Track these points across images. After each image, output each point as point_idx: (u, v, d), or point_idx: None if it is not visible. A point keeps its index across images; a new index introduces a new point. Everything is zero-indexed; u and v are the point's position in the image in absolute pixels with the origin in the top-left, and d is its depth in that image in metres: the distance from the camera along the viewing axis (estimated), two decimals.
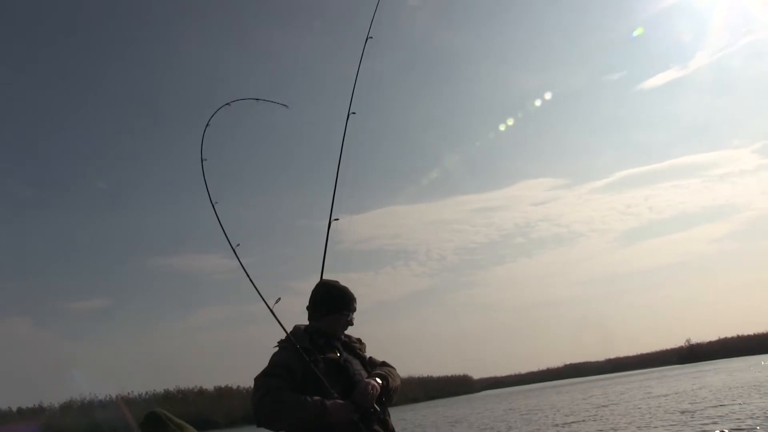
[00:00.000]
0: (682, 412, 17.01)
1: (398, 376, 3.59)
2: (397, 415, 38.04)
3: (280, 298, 3.56)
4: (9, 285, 74.36)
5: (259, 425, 3.26)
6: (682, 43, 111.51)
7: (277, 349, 3.47)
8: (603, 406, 24.24)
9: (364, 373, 3.46)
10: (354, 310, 3.61)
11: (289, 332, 3.50)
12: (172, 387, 51.63)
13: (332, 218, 3.90)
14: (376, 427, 3.33)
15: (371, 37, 4.40)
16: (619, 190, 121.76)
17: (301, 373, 3.28)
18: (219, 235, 3.75)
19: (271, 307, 3.51)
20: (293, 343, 3.39)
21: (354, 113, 4.11)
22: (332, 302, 3.55)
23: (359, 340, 3.69)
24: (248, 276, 3.67)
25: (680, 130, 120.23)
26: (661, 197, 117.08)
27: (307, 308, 3.60)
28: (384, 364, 3.63)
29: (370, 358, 3.64)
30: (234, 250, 3.74)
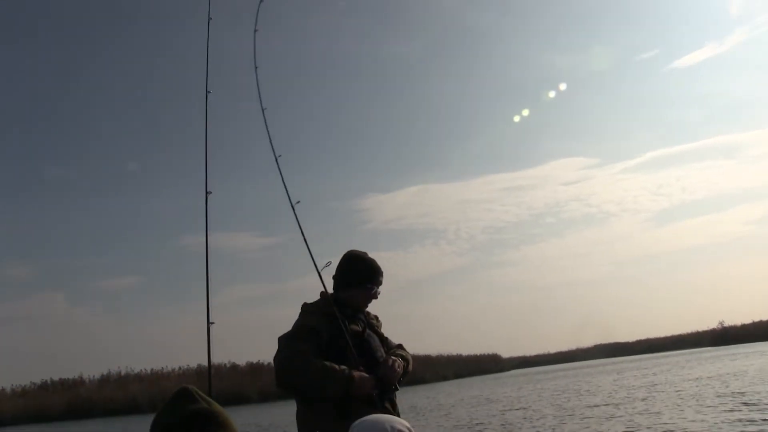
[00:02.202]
0: (719, 396, 16.90)
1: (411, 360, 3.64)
2: (424, 393, 37.85)
3: (330, 262, 3.60)
4: (42, 263, 75.84)
5: (279, 385, 3.28)
6: (718, 19, 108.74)
7: (302, 311, 3.48)
8: (639, 387, 24.14)
9: (382, 350, 3.49)
10: (380, 283, 3.59)
11: (319, 297, 3.51)
12: (205, 363, 52.28)
13: (207, 192, 3.91)
14: (387, 405, 3.36)
15: (211, 18, 4.46)
16: (651, 170, 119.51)
17: (327, 339, 3.29)
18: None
19: (319, 270, 3.55)
20: (321, 308, 3.40)
21: (210, 92, 4.19)
22: (360, 273, 3.53)
23: (376, 317, 3.70)
24: (303, 237, 3.71)
25: (715, 110, 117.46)
26: (694, 177, 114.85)
27: (333, 278, 3.59)
28: (400, 346, 3.66)
29: (386, 338, 3.66)
30: (293, 208, 3.80)
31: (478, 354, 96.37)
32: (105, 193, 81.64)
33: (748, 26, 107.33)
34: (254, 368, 48.37)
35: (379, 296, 3.61)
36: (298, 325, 3.38)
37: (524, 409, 20.01)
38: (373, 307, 3.68)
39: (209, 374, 3.86)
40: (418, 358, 75.65)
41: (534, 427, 14.43)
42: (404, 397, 3.33)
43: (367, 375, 3.25)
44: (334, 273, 3.61)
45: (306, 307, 3.49)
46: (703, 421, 11.83)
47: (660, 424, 12.15)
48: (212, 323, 3.67)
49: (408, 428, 2.05)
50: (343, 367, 3.19)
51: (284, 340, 3.30)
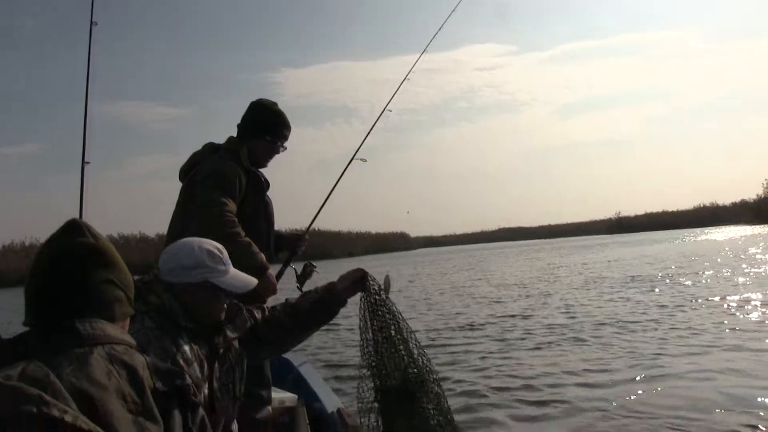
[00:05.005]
0: (632, 278, 17.95)
1: None
2: (327, 268, 38.39)
3: None
4: None
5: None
6: None
7: (217, 156, 3.15)
8: (542, 268, 25.38)
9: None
10: (286, 138, 3.34)
11: (226, 144, 3.23)
12: (114, 233, 51.76)
13: (92, 23, 3.63)
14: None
15: None
16: (563, 62, 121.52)
17: (242, 195, 3.08)
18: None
19: None
20: (239, 159, 3.13)
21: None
22: (267, 124, 3.27)
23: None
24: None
25: (628, 8, 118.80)
26: (602, 73, 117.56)
27: (238, 126, 3.31)
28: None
29: None
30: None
31: (387, 232, 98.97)
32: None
33: None
34: (163, 239, 47.99)
35: (281, 152, 3.37)
36: (224, 172, 3.06)
37: (425, 289, 20.69)
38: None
39: (80, 214, 3.64)
40: (326, 234, 77.01)
41: (432, 304, 14.98)
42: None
43: (274, 277, 3.07)
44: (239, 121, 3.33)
45: (223, 153, 3.17)
46: (600, 299, 12.59)
47: (559, 302, 12.85)
48: (87, 163, 3.46)
49: (218, 248, 2.02)
50: (261, 254, 2.99)
51: (216, 193, 2.97)
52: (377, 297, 2.34)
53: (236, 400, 2.10)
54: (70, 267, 1.27)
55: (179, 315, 1.92)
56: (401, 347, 2.29)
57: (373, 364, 2.26)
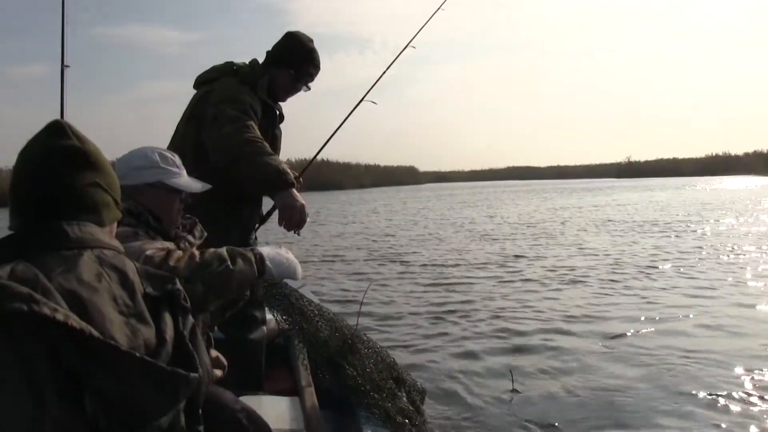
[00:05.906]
0: (625, 222, 17.91)
1: None
2: (336, 198, 38.41)
3: None
4: None
5: (223, 161, 2.79)
6: None
7: (236, 80, 3.05)
8: (551, 209, 25.35)
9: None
10: (311, 79, 3.25)
11: (247, 68, 3.13)
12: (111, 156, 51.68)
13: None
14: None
15: None
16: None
17: (256, 126, 2.94)
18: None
19: None
20: (255, 88, 3.05)
21: None
22: (296, 57, 3.17)
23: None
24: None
25: None
26: (626, 16, 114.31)
27: (267, 52, 3.21)
28: None
29: None
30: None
31: (396, 165, 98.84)
32: None
33: None
34: None
35: (304, 92, 3.27)
36: (237, 98, 2.91)
37: (427, 227, 20.68)
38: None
39: (61, 117, 3.62)
40: (335, 165, 76.86)
41: (434, 240, 15.03)
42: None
43: (299, 197, 2.85)
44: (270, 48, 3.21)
45: (243, 79, 3.05)
46: (605, 242, 12.60)
47: (564, 243, 12.87)
48: (67, 66, 3.43)
49: (170, 153, 2.10)
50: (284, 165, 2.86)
51: (231, 113, 2.82)
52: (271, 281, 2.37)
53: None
54: (54, 169, 1.22)
55: (149, 216, 1.98)
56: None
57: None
